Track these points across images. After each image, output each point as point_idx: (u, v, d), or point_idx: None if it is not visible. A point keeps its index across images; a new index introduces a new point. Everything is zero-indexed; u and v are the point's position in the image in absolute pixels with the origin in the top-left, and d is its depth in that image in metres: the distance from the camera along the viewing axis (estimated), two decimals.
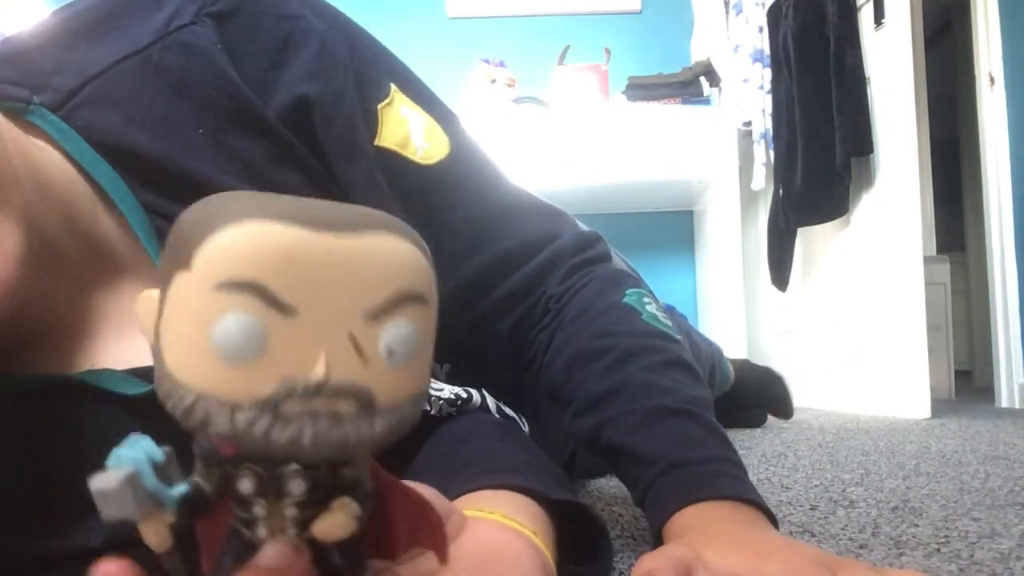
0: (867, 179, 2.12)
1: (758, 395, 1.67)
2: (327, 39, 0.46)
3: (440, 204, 0.50)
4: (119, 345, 0.40)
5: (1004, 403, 2.30)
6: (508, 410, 0.61)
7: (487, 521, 0.36)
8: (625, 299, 0.53)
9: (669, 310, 1.29)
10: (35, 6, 2.30)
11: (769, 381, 1.68)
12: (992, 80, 2.33)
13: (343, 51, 0.47)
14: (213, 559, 0.21)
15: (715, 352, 1.47)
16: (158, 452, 0.20)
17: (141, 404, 0.37)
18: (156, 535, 0.19)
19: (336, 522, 0.19)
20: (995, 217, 2.35)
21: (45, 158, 0.39)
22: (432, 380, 0.57)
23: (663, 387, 0.47)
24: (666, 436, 0.44)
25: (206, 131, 0.42)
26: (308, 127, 0.45)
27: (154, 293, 0.19)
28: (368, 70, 0.47)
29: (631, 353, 0.49)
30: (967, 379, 3.46)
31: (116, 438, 0.39)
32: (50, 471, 0.37)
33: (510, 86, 2.59)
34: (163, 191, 0.41)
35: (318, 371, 0.17)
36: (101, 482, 0.18)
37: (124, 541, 0.37)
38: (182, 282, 0.17)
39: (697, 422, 0.46)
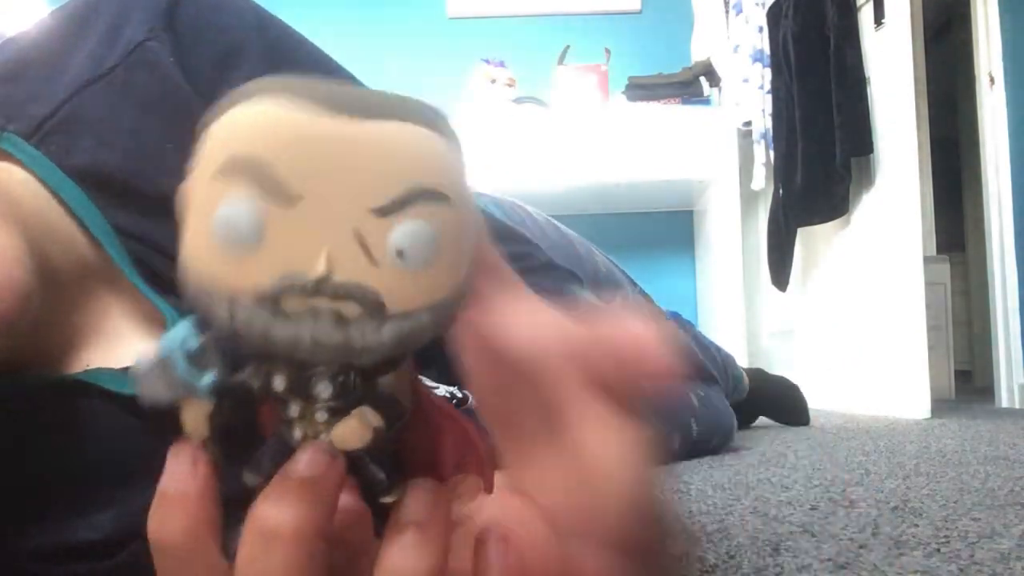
0: (867, 179, 2.12)
1: (774, 404, 1.68)
2: (262, 52, 0.47)
3: None
4: (109, 352, 0.41)
5: (1004, 403, 2.30)
6: None
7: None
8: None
9: (675, 317, 1.29)
10: (35, 5, 2.30)
11: (784, 390, 1.69)
12: (992, 80, 2.33)
13: (279, 63, 0.47)
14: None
15: (726, 358, 1.48)
16: (194, 340, 0.19)
17: (137, 401, 0.37)
18: (192, 422, 0.19)
19: (349, 429, 0.18)
20: (995, 217, 2.35)
21: (17, 182, 0.40)
22: (425, 378, 0.57)
23: None
24: None
25: (175, 144, 0.43)
26: None
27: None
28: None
29: None
30: (967, 379, 3.46)
31: (113, 434, 0.39)
32: (50, 468, 0.38)
33: (510, 86, 2.59)
34: (136, 211, 0.42)
35: (318, 267, 0.16)
36: (138, 366, 0.19)
37: (125, 536, 0.38)
38: (194, 171, 0.17)
39: None
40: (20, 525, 0.37)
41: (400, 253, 0.17)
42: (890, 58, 1.99)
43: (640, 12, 3.13)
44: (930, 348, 1.89)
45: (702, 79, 2.59)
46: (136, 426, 0.38)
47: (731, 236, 2.53)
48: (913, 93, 1.93)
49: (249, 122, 0.16)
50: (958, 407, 2.22)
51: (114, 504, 0.38)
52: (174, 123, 0.43)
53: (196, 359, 0.19)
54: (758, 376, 1.66)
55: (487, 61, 2.64)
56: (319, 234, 0.16)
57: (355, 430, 0.18)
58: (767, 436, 1.48)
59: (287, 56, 0.48)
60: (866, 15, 2.09)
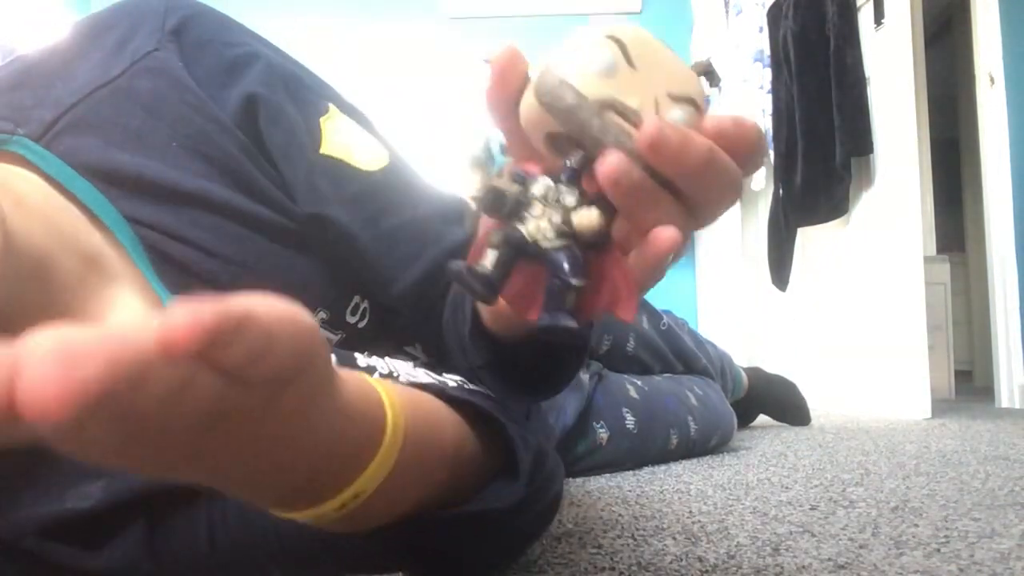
0: (867, 179, 2.12)
1: (773, 403, 1.68)
2: (272, 61, 0.51)
3: (387, 206, 0.53)
4: None
5: (1004, 403, 2.30)
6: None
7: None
8: None
9: (667, 315, 1.29)
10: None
11: (784, 390, 1.69)
12: (992, 80, 2.33)
13: (286, 74, 0.52)
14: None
15: (723, 356, 1.48)
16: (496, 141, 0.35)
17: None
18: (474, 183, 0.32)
19: (588, 216, 0.31)
20: (995, 217, 2.35)
21: (22, 179, 0.42)
22: (408, 365, 0.58)
23: None
24: None
25: (179, 143, 0.47)
26: (255, 128, 0.49)
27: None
28: (307, 92, 0.52)
29: None
30: (967, 379, 3.46)
31: None
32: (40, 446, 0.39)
33: None
34: (147, 200, 0.45)
35: (632, 103, 0.30)
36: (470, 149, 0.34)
37: (114, 504, 0.39)
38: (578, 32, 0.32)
39: None
40: (12, 499, 0.39)
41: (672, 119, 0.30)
42: (890, 58, 1.99)
43: (640, 12, 3.13)
44: (930, 348, 1.89)
45: (702, 79, 2.59)
46: None
47: (731, 236, 2.53)
48: (913, 93, 1.93)
49: (619, 27, 0.32)
50: (958, 407, 2.22)
51: (103, 474, 0.40)
52: (179, 123, 0.46)
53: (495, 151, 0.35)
54: (757, 375, 1.66)
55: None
56: (638, 92, 0.30)
57: (592, 217, 0.31)
58: (767, 436, 1.48)
59: (286, 72, 0.52)
60: (866, 15, 2.09)
